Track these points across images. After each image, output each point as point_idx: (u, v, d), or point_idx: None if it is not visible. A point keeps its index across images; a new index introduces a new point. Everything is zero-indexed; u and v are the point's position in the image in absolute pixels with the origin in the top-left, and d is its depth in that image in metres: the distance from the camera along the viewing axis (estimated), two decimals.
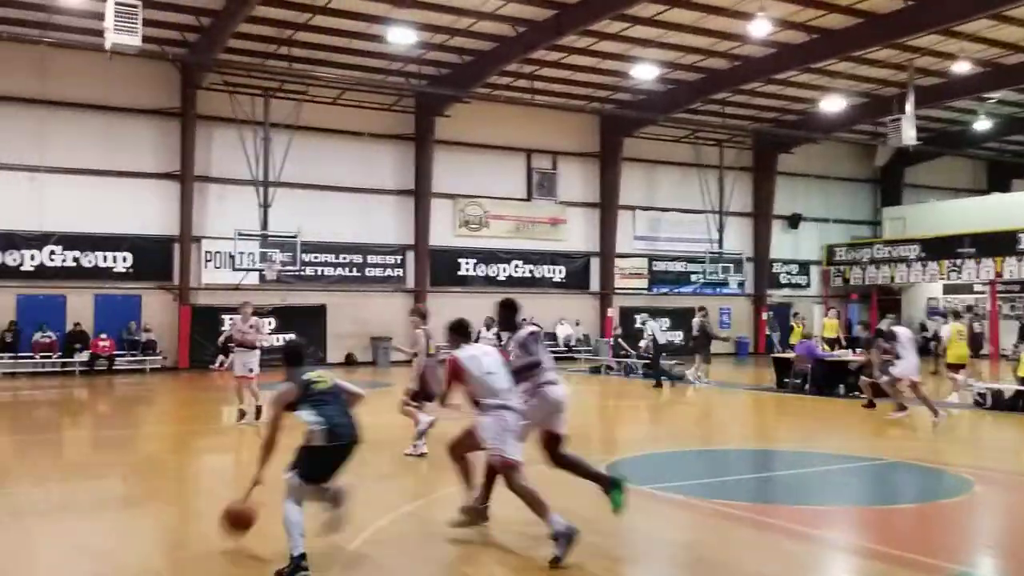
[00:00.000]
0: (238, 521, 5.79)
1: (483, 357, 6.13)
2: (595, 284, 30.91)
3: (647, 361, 21.54)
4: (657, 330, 20.73)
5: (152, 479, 8.87)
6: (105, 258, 24.15)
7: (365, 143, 26.94)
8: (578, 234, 30.57)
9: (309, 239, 25.43)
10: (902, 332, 13.76)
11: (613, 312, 30.49)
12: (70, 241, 23.64)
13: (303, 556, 5.19)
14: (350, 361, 26.30)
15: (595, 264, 30.89)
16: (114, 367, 23.45)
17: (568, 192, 30.39)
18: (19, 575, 5.57)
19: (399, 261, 27.82)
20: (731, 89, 26.80)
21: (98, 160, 23.86)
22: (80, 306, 23.72)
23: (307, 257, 25.87)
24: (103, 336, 23.71)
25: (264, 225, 24.41)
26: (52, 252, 23.61)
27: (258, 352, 12.75)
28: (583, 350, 28.98)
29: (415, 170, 27.58)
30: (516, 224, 29.69)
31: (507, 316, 6.73)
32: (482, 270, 29.07)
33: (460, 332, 6.39)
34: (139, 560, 5.92)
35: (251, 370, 12.60)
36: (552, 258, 30.19)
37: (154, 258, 24.51)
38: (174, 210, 24.73)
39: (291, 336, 22.37)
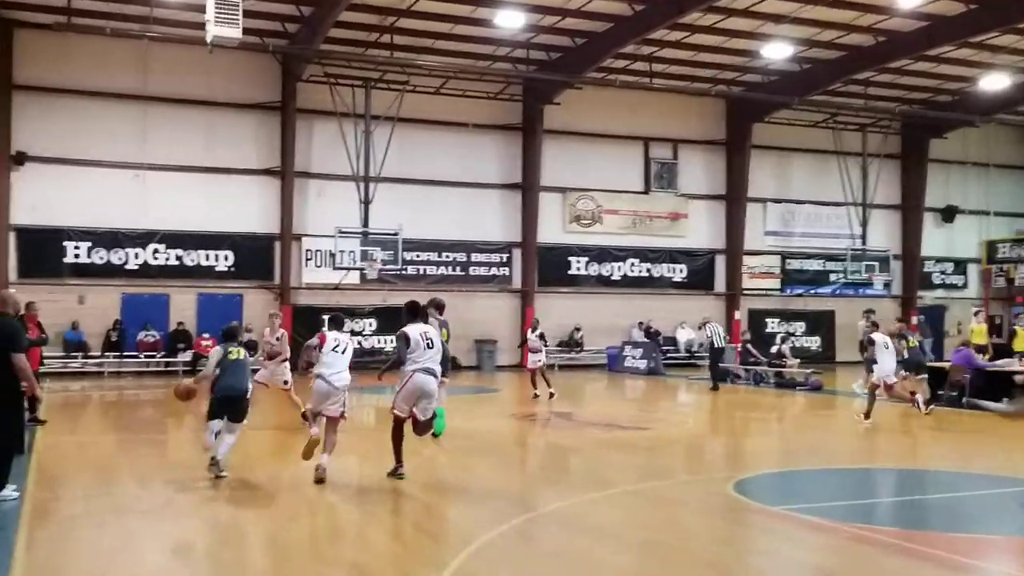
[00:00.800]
0: (184, 394, 9.74)
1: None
2: (720, 284, 30.43)
3: (778, 368, 21.74)
4: (718, 333, 20.99)
5: (249, 481, 9.28)
6: (207, 256, 24.87)
7: (470, 134, 27.04)
8: (701, 230, 30.16)
9: (411, 236, 25.59)
10: None
11: (740, 315, 30.12)
12: (173, 239, 24.37)
13: (213, 459, 9.00)
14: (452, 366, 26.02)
15: (720, 262, 30.41)
16: None
17: (690, 184, 30.02)
18: (120, 575, 5.88)
19: (505, 259, 27.88)
20: (876, 68, 25.99)
21: (199, 156, 24.52)
22: (183, 305, 24.52)
23: (408, 255, 26.11)
24: (205, 335, 24.18)
25: (365, 222, 24.65)
26: (156, 250, 24.47)
27: (287, 363, 13.53)
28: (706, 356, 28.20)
29: (522, 162, 27.58)
30: (632, 219, 29.42)
31: (410, 318, 9.47)
32: (594, 269, 28.86)
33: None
34: (239, 558, 6.38)
35: (285, 382, 13.38)
36: (672, 256, 29.84)
37: (255, 256, 25.09)
38: (274, 207, 25.18)
39: (392, 338, 21.23)
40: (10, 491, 7.81)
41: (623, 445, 12.33)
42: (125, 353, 23.88)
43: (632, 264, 29.33)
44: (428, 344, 9.28)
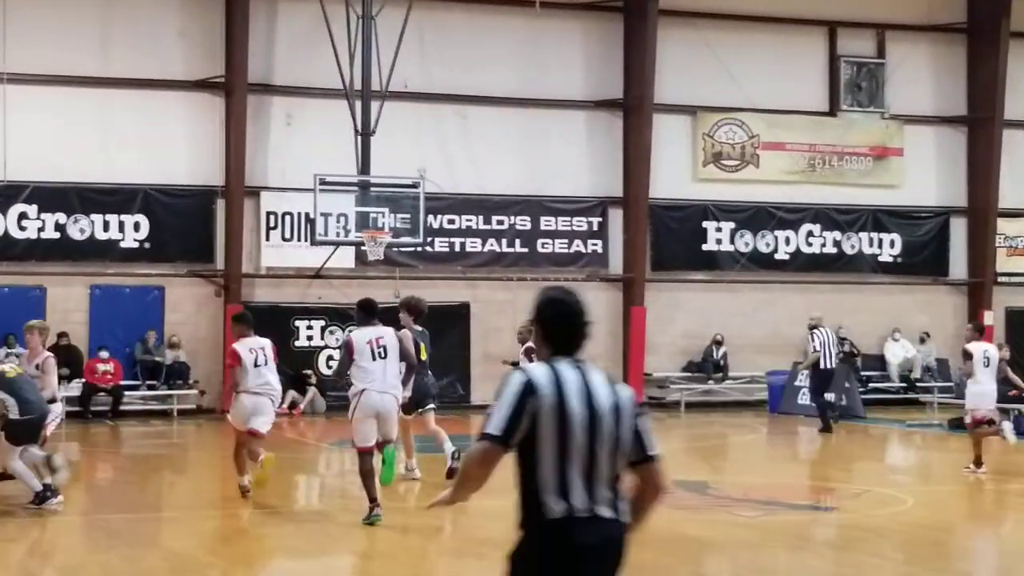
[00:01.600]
0: None
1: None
2: (958, 267, 29.58)
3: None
4: (830, 342, 22.36)
5: None
6: (105, 225, 24.34)
7: (536, 19, 26.10)
8: (925, 175, 29.31)
9: (439, 191, 25.10)
10: None
11: (991, 318, 28.11)
12: (50, 198, 23.93)
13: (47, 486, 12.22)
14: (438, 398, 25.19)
15: (958, 230, 29.55)
16: (120, 407, 23.65)
17: (906, 99, 29.06)
18: None
19: (596, 227, 27.25)
20: None
21: (90, 62, 24.12)
22: (68, 303, 24.06)
23: (436, 221, 25.53)
24: (104, 353, 23.83)
25: (363, 166, 23.80)
26: (22, 215, 23.90)
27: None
28: (937, 387, 27.85)
29: (624, 65, 26.95)
30: (808, 157, 28.66)
31: (363, 317, 12.16)
32: (746, 241, 28.23)
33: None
34: None
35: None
36: (876, 219, 29.02)
37: (183, 224, 24.85)
38: (214, 144, 24.74)
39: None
40: None
41: (794, 537, 12.66)
42: None
43: (809, 233, 28.61)
44: (380, 354, 11.25)
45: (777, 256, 28.48)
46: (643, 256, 27.16)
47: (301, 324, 25.04)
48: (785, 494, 15.45)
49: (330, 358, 23.89)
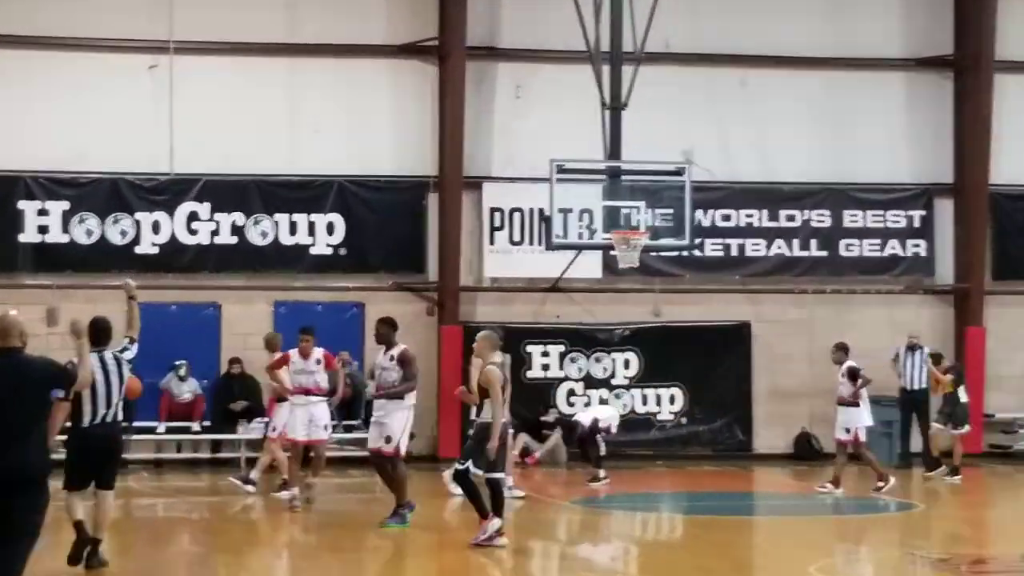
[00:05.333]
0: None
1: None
2: None
3: None
4: (912, 367, 22.14)
5: None
6: (292, 227, 22.72)
7: None
8: None
9: (711, 180, 23.18)
10: None
11: None
12: (224, 193, 22.63)
13: None
14: (809, 451, 23.68)
15: None
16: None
17: None
18: None
19: (918, 223, 24.75)
20: None
21: (275, 28, 22.92)
22: (245, 324, 22.47)
23: (707, 218, 23.68)
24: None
25: (613, 150, 21.73)
26: (192, 215, 22.38)
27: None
28: None
29: (953, 12, 24.46)
30: None
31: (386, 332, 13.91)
32: None
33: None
34: None
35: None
36: None
37: (387, 226, 23.44)
38: (425, 123, 23.31)
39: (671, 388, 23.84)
40: None
41: None
42: (135, 424, 20.77)
43: None
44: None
45: None
46: (982, 261, 24.47)
47: (534, 350, 23.15)
48: None
49: (571, 392, 22.94)
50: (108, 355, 10.74)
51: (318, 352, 16.14)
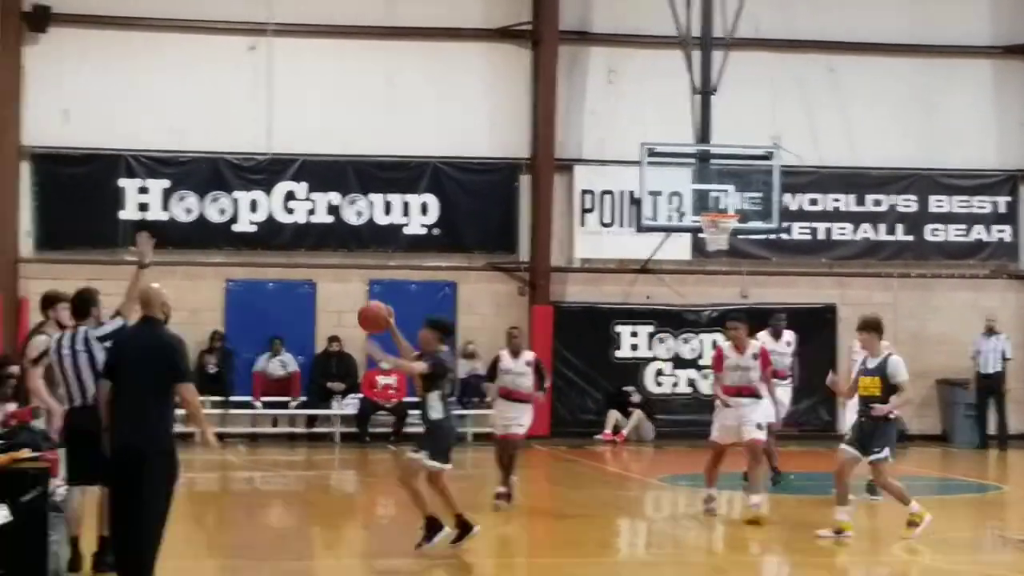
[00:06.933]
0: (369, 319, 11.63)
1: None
2: None
3: None
4: (988, 351, 22.29)
5: None
6: (387, 207, 22.99)
7: None
8: None
9: (799, 164, 23.25)
10: None
11: None
12: (321, 172, 22.75)
13: None
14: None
15: None
16: (404, 428, 21.71)
17: None
18: None
19: (1004, 208, 24.67)
20: None
21: (373, 10, 22.97)
22: (341, 302, 22.44)
23: (794, 202, 23.78)
24: (385, 364, 20.73)
25: (703, 134, 21.96)
26: (290, 194, 22.63)
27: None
28: None
29: None
30: None
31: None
32: None
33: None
34: None
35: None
36: None
37: (480, 206, 23.60)
38: (518, 106, 23.47)
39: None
40: None
41: None
42: (232, 399, 22.18)
43: None
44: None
45: None
46: None
47: (623, 330, 23.25)
48: None
49: (659, 372, 23.18)
50: (81, 333, 9.22)
51: (528, 355, 15.24)
